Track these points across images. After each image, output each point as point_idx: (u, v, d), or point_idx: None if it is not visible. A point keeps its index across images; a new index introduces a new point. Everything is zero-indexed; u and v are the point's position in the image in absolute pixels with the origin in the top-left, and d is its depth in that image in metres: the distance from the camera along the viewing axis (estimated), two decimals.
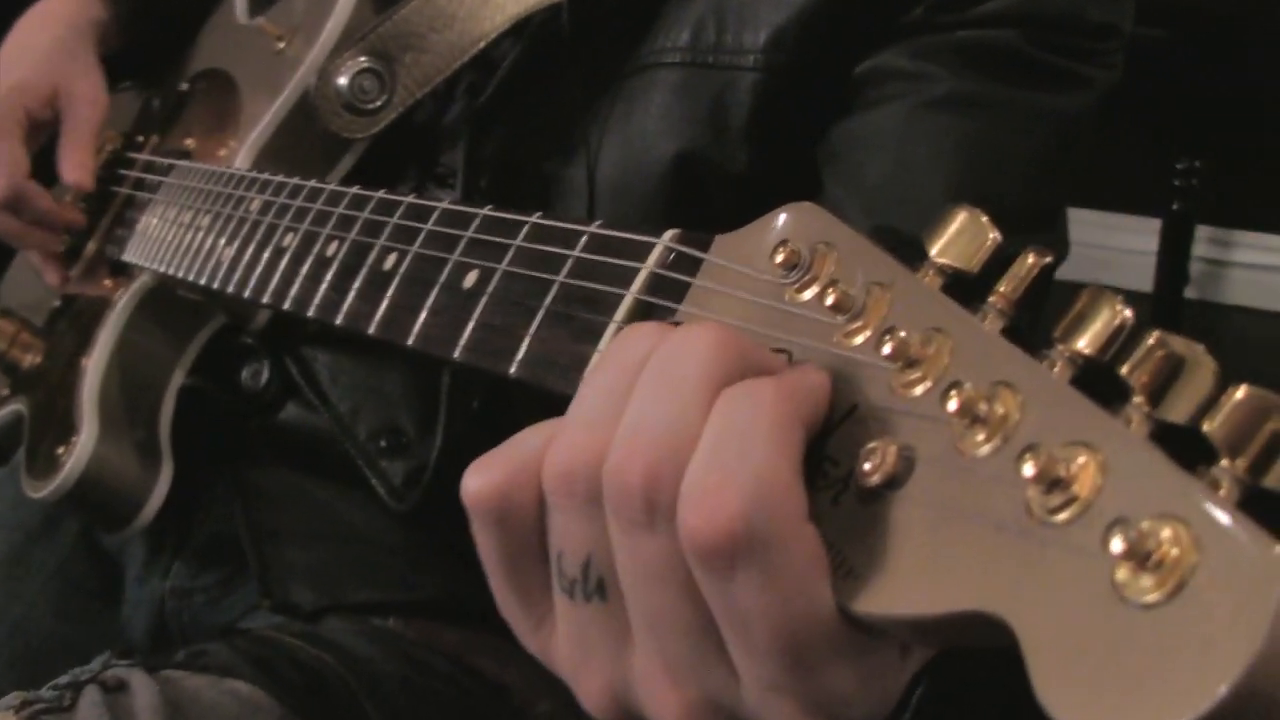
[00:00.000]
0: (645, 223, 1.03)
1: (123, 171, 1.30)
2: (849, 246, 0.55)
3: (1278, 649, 0.37)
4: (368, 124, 1.10)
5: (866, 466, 0.48)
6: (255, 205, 0.99)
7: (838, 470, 0.50)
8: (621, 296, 0.61)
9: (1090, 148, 1.06)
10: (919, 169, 0.99)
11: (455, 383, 1.08)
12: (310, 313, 0.85)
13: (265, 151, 1.13)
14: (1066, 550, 0.42)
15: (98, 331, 1.16)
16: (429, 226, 0.77)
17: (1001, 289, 0.51)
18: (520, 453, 0.54)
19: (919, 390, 0.49)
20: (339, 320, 0.81)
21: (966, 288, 0.54)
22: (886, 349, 0.49)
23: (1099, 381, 0.48)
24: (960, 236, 0.53)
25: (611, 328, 0.60)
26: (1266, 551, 0.39)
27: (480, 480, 0.54)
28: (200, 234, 1.05)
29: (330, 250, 0.86)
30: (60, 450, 1.11)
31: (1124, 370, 0.44)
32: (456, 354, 0.69)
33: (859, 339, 0.52)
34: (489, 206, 0.73)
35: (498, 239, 0.71)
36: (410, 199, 0.81)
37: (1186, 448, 0.45)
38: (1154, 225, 3.10)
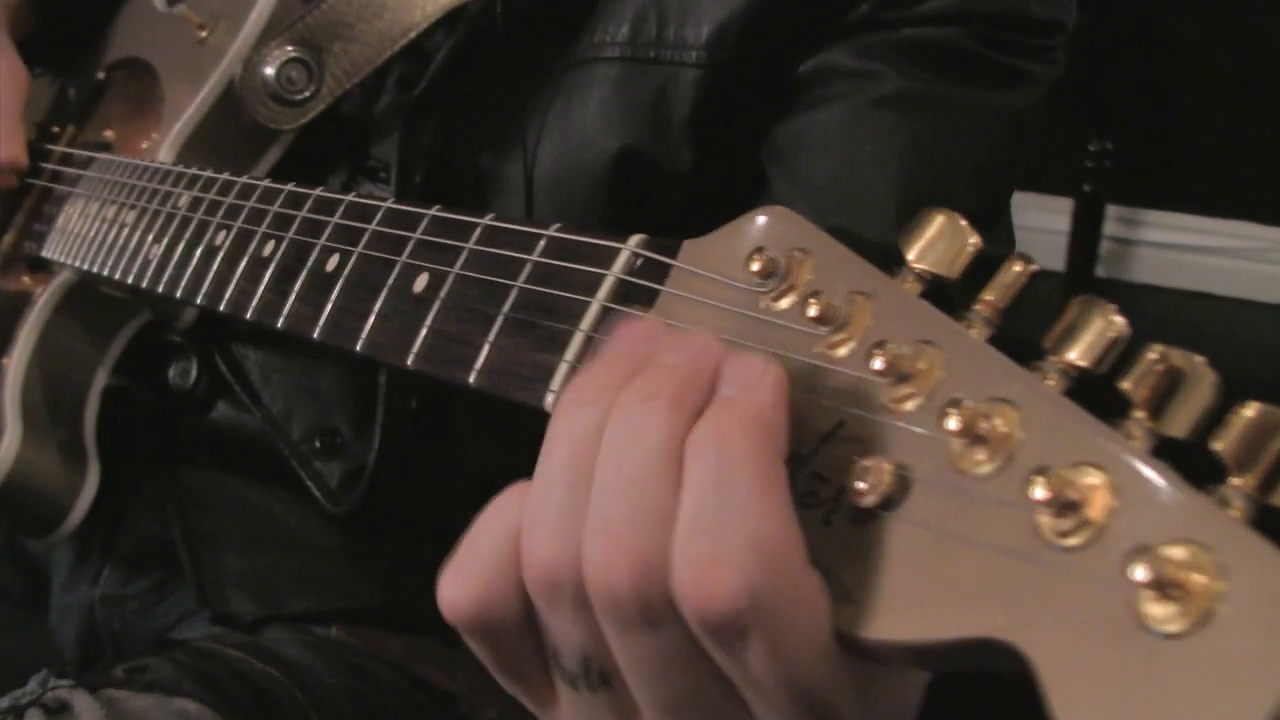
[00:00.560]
0: (585, 220, 1.02)
1: (39, 164, 1.26)
2: (827, 253, 0.53)
3: None
4: (295, 115, 1.07)
5: (859, 485, 0.46)
6: (184, 201, 0.95)
7: (827, 489, 0.48)
8: (586, 304, 0.58)
9: None
10: (867, 168, 0.97)
11: (392, 383, 1.05)
12: (249, 315, 0.81)
13: (190, 143, 1.09)
14: (1082, 577, 0.40)
15: (18, 330, 1.12)
16: (373, 226, 0.74)
17: (988, 297, 0.49)
18: (488, 560, 0.51)
19: (911, 405, 0.47)
20: (280, 324, 0.78)
21: (944, 293, 0.52)
22: (878, 363, 0.47)
23: (1088, 391, 0.47)
24: (939, 241, 0.51)
25: (578, 336, 0.58)
26: None
27: (456, 595, 0.52)
28: (126, 230, 1.01)
29: (267, 250, 0.83)
30: None
31: (1125, 385, 0.43)
32: (410, 361, 0.66)
33: (843, 350, 0.50)
34: (436, 207, 0.71)
35: (449, 241, 0.68)
36: (351, 197, 0.78)
37: (1175, 455, 0.44)
38: (1066, 205, 3.12)
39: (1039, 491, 0.41)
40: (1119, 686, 0.38)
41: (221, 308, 0.85)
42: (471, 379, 0.62)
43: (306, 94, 1.06)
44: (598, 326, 0.58)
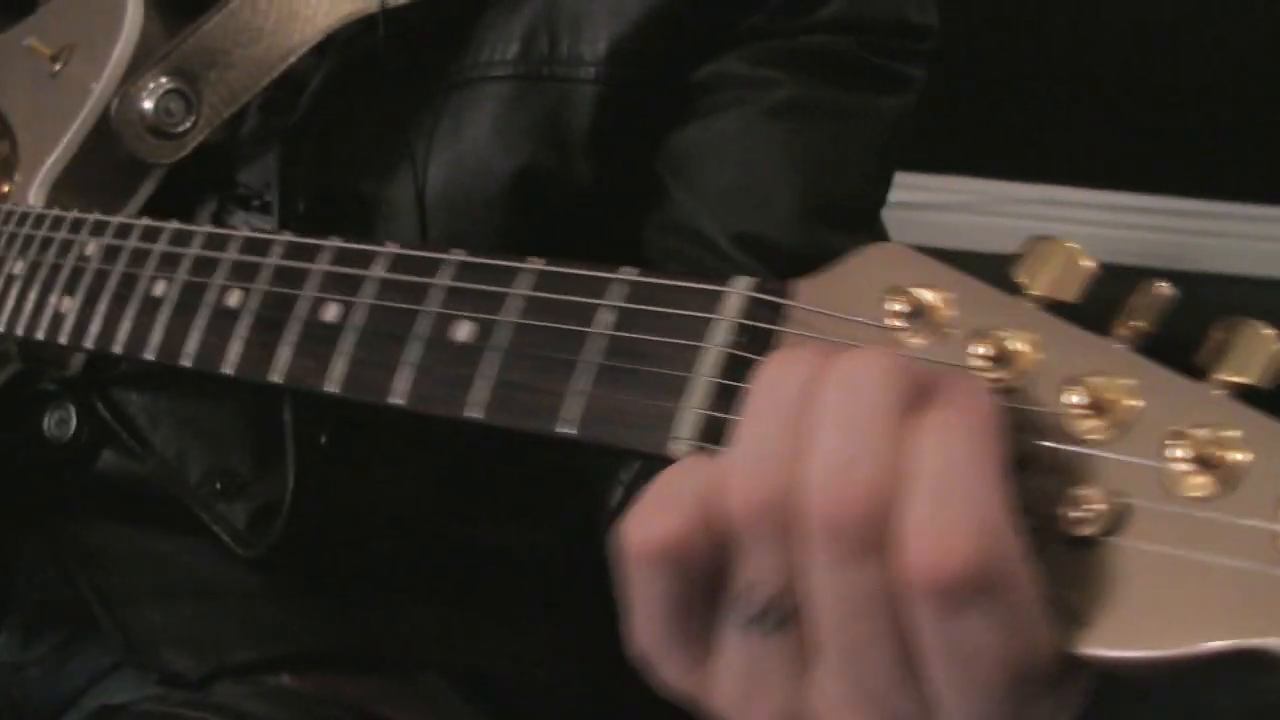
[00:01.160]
0: (482, 240, 1.02)
1: None
2: (962, 288, 0.54)
3: None
4: (175, 148, 1.03)
5: (1073, 515, 0.49)
6: (92, 249, 0.91)
7: (1033, 519, 0.50)
8: (698, 349, 0.59)
9: None
10: (769, 174, 1.00)
11: (300, 419, 1.02)
12: (231, 371, 0.79)
13: (60, 183, 1.04)
14: None
15: None
16: (381, 274, 0.73)
17: (1136, 322, 0.52)
18: (686, 497, 0.52)
19: (1113, 434, 0.49)
20: (280, 379, 0.76)
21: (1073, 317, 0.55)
22: (1074, 397, 0.49)
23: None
24: (1055, 268, 0.54)
25: (699, 384, 0.58)
26: None
27: (650, 530, 0.52)
28: (18, 283, 0.96)
29: (232, 300, 0.80)
30: None
31: None
32: (471, 413, 0.66)
33: (1017, 385, 0.52)
34: (461, 251, 0.70)
35: (486, 287, 0.67)
36: (342, 243, 0.76)
37: None
38: None
39: None
40: None
41: (191, 364, 0.81)
42: (573, 430, 0.61)
43: (186, 126, 1.02)
44: (719, 371, 0.58)
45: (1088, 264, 0.54)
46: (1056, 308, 0.53)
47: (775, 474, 0.50)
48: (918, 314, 0.54)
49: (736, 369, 0.58)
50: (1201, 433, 0.47)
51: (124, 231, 0.90)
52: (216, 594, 1.07)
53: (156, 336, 0.84)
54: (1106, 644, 0.48)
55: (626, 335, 0.61)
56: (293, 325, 0.76)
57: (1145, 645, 0.47)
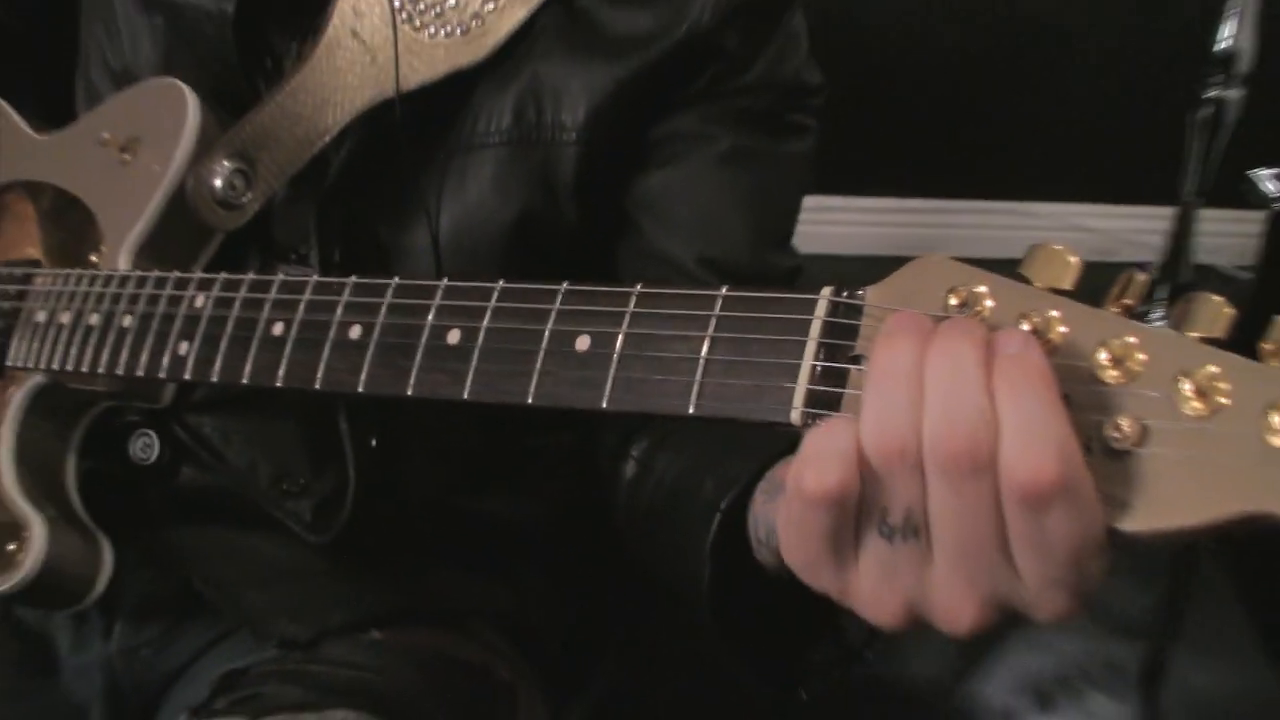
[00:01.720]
0: (488, 272, 1.09)
1: None
2: (997, 285, 0.66)
3: None
4: (238, 216, 1.08)
5: (1113, 435, 0.60)
6: (200, 302, 0.96)
7: (1084, 439, 0.60)
8: (802, 342, 0.69)
9: None
10: (721, 210, 1.10)
11: (354, 427, 1.09)
12: (361, 390, 0.85)
13: (144, 250, 1.09)
14: None
15: None
16: (493, 304, 0.81)
17: (1126, 300, 0.64)
18: (842, 452, 0.62)
19: (1128, 377, 0.61)
20: (409, 392, 0.82)
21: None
22: (1103, 355, 0.61)
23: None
24: (1053, 266, 0.66)
25: (806, 367, 0.68)
26: None
27: (823, 480, 0.62)
28: (98, 330, 1.02)
29: (354, 333, 0.87)
30: (12, 546, 1.04)
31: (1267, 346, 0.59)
32: (606, 405, 0.74)
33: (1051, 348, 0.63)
34: (565, 283, 0.78)
35: (599, 308, 0.76)
36: (448, 282, 0.84)
37: None
38: None
39: (1277, 419, 0.57)
40: None
41: (319, 387, 0.88)
42: (693, 409, 0.71)
43: (247, 198, 1.08)
44: (818, 356, 0.69)
45: (1074, 260, 0.66)
46: (1059, 293, 0.65)
47: (903, 428, 0.61)
48: (969, 304, 0.66)
49: (832, 354, 0.68)
50: (1194, 370, 0.59)
51: (232, 285, 0.96)
52: (299, 574, 1.12)
53: (282, 369, 0.90)
54: (1143, 523, 0.60)
55: (728, 336, 0.71)
56: (417, 348, 0.83)
57: (1171, 520, 0.59)
